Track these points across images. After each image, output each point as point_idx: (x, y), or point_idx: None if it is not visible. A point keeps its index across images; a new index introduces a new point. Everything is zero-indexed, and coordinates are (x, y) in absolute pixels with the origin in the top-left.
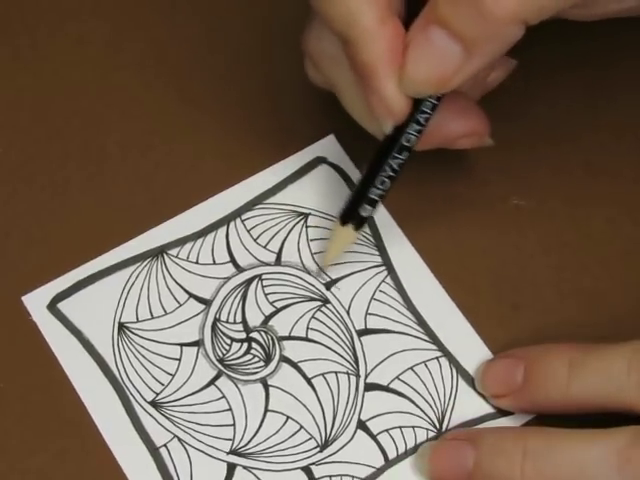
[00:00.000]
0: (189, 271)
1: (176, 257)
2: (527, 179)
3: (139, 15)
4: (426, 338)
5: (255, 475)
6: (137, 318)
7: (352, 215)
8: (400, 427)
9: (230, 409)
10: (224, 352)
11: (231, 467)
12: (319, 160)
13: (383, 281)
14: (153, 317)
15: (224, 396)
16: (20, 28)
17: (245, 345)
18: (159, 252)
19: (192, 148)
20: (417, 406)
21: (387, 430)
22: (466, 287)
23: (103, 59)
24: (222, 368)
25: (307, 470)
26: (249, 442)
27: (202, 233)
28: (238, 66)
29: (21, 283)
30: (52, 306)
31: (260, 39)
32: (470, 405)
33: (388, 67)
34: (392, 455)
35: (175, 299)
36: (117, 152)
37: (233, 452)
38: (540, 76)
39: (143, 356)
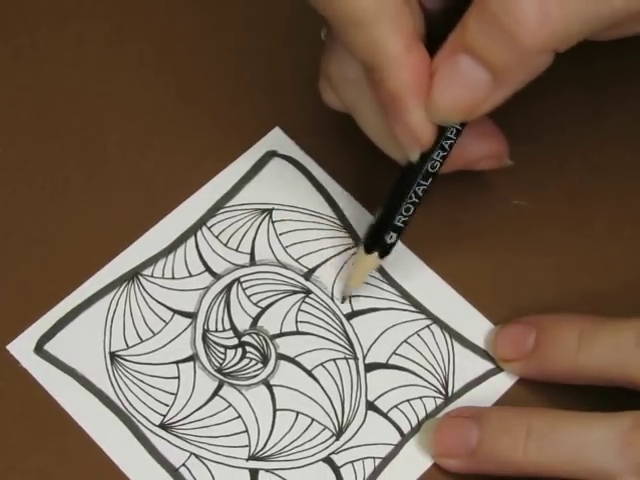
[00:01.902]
0: (167, 288)
1: (151, 277)
2: (528, 179)
3: (139, 15)
4: (413, 309)
5: (279, 476)
6: (127, 344)
7: (377, 242)
8: (408, 400)
9: (239, 416)
10: (220, 362)
11: (254, 473)
12: (270, 154)
13: None
14: (142, 340)
15: (230, 405)
16: (20, 28)
17: (239, 350)
18: (133, 275)
19: (192, 148)
20: (420, 377)
21: (396, 406)
22: (466, 287)
23: (103, 59)
24: (222, 378)
25: (328, 460)
26: (265, 445)
27: (172, 248)
28: (238, 66)
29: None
30: (39, 349)
31: (260, 39)
32: (470, 365)
33: (415, 95)
34: (407, 429)
35: (160, 318)
36: (117, 152)
37: (252, 458)
38: (541, 76)
39: (141, 381)
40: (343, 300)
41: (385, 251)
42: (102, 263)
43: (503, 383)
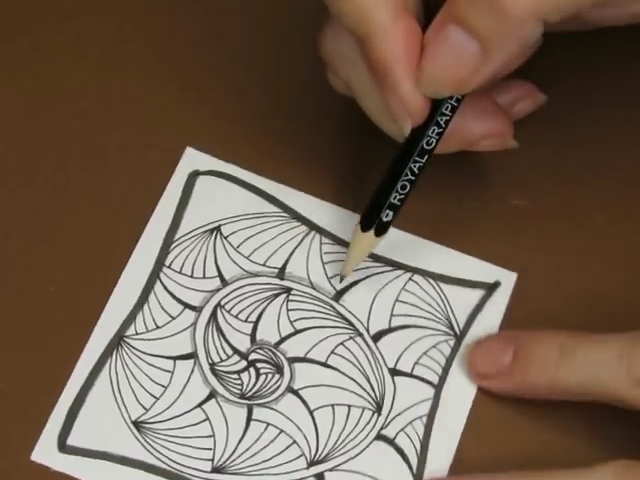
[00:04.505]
0: (156, 338)
1: (136, 335)
2: (527, 179)
3: (139, 15)
4: (390, 268)
5: (344, 470)
6: (145, 408)
7: (374, 221)
8: (424, 353)
9: (282, 431)
10: (240, 388)
11: (320, 477)
12: (194, 175)
13: (321, 244)
14: (158, 398)
15: (268, 424)
16: (20, 28)
17: (252, 370)
18: (119, 340)
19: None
20: (424, 327)
21: (416, 362)
22: None
23: (103, 59)
24: (249, 402)
25: (381, 437)
26: (317, 447)
27: (142, 299)
28: (238, 66)
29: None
30: (63, 447)
31: (260, 38)
32: (464, 298)
33: (404, 65)
34: (435, 380)
35: (164, 370)
36: (117, 152)
37: (312, 464)
38: (540, 76)
39: (175, 436)
40: (341, 279)
41: (382, 229)
42: (101, 264)
43: (501, 301)
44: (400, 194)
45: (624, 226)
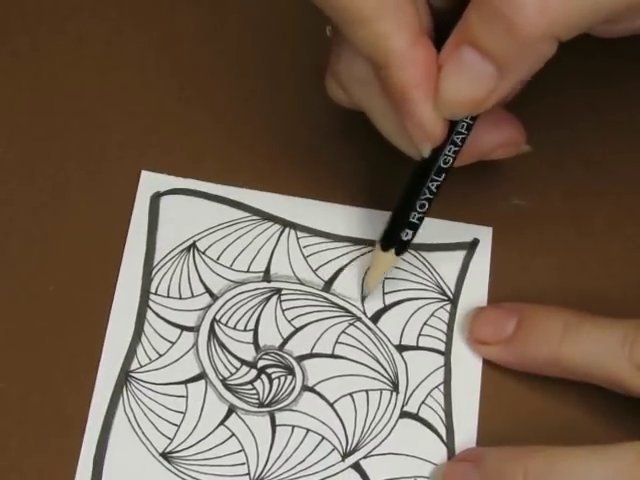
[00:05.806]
0: (162, 367)
1: (141, 368)
2: (527, 178)
3: (139, 15)
4: (370, 248)
5: (380, 454)
6: (168, 438)
7: (393, 240)
8: (425, 323)
9: (308, 430)
10: (257, 397)
11: (356, 466)
12: (156, 196)
13: (298, 238)
14: (179, 425)
15: (294, 426)
16: (20, 28)
17: (264, 378)
18: (125, 377)
19: (192, 148)
20: (419, 298)
21: (420, 334)
22: None
23: (103, 59)
24: (270, 409)
25: (406, 414)
26: (347, 438)
27: (138, 331)
28: (238, 66)
29: None
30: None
31: (260, 39)
32: (448, 264)
33: (422, 91)
34: (442, 347)
35: (177, 396)
36: (117, 152)
37: (346, 455)
38: (540, 75)
39: (205, 459)
40: (363, 300)
41: (402, 248)
42: (102, 263)
43: (484, 257)
44: (419, 213)
45: (624, 226)
